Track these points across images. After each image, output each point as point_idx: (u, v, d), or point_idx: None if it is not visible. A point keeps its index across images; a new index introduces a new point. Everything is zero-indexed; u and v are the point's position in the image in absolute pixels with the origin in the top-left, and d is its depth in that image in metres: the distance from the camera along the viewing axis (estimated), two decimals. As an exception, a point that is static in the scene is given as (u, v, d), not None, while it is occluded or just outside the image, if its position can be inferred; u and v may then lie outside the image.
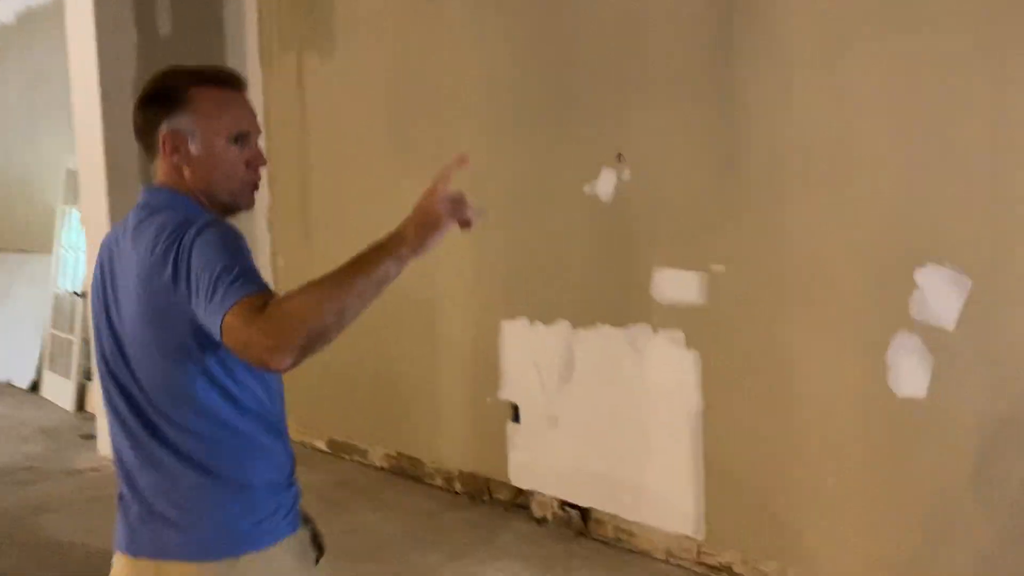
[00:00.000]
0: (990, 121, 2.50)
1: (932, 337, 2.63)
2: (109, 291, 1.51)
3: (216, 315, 1.29)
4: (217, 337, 1.31)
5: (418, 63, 4.05)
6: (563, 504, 3.64)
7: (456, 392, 4.03)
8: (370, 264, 1.31)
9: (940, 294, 2.61)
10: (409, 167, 4.06)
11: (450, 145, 3.89)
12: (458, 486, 4.05)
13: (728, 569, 3.15)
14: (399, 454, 4.32)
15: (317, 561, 1.57)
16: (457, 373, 4.02)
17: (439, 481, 4.13)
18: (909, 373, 2.69)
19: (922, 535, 2.70)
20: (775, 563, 3.03)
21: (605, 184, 3.36)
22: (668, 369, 3.24)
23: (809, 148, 2.85)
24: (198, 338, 1.39)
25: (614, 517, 3.47)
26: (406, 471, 4.26)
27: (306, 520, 1.57)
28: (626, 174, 3.31)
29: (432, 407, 4.13)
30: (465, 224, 1.39)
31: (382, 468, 4.37)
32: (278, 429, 1.54)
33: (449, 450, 4.08)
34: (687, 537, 3.25)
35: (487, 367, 3.86)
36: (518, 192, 3.64)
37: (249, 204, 1.56)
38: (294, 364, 1.26)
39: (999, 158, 2.49)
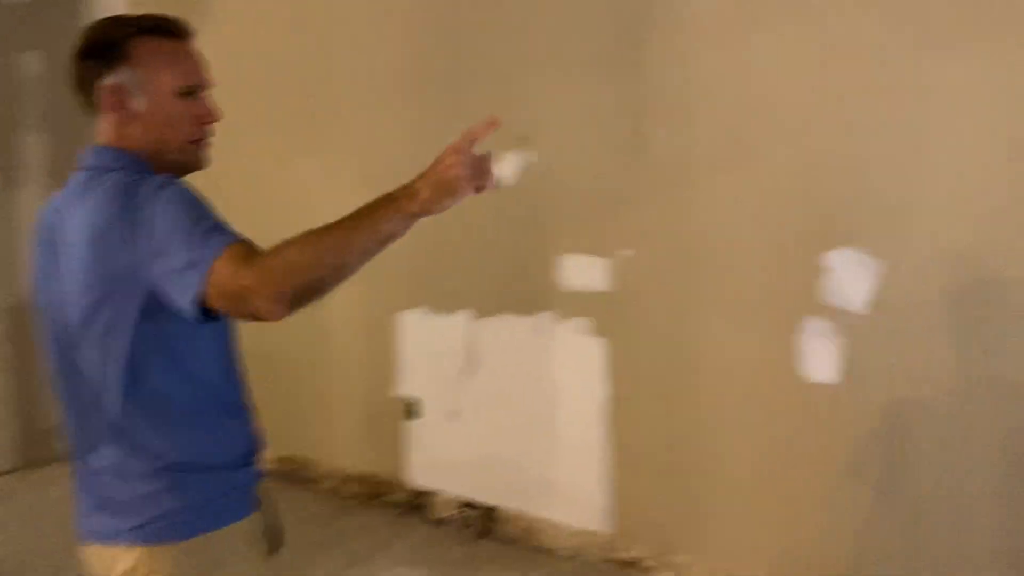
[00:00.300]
0: (898, 102, 2.48)
1: (843, 321, 2.61)
2: (51, 260, 1.42)
3: (197, 267, 1.22)
4: (192, 293, 1.22)
5: (304, 37, 3.79)
6: (466, 503, 3.47)
7: (349, 388, 3.80)
8: (377, 220, 1.25)
9: (851, 277, 2.59)
10: (294, 145, 3.80)
11: (339, 123, 3.66)
12: (352, 488, 3.82)
13: (637, 564, 3.06)
14: (287, 456, 4.05)
15: (271, 553, 1.48)
16: (350, 368, 3.79)
17: (331, 484, 3.89)
18: (820, 358, 2.65)
19: (834, 523, 2.67)
20: (686, 556, 2.95)
21: (508, 167, 3.20)
22: (575, 358, 3.12)
23: (717, 129, 2.78)
24: (149, 305, 1.30)
25: (520, 515, 3.33)
26: (295, 474, 4.00)
27: (262, 507, 1.50)
28: (530, 157, 3.17)
29: (323, 405, 3.89)
30: (481, 189, 1.31)
31: (269, 472, 4.09)
32: (231, 406, 1.47)
33: (342, 450, 3.85)
34: (596, 532, 3.14)
35: (383, 361, 3.65)
36: (408, 172, 3.43)
37: (201, 163, 1.47)
38: (284, 314, 1.21)
39: (908, 138, 2.47)
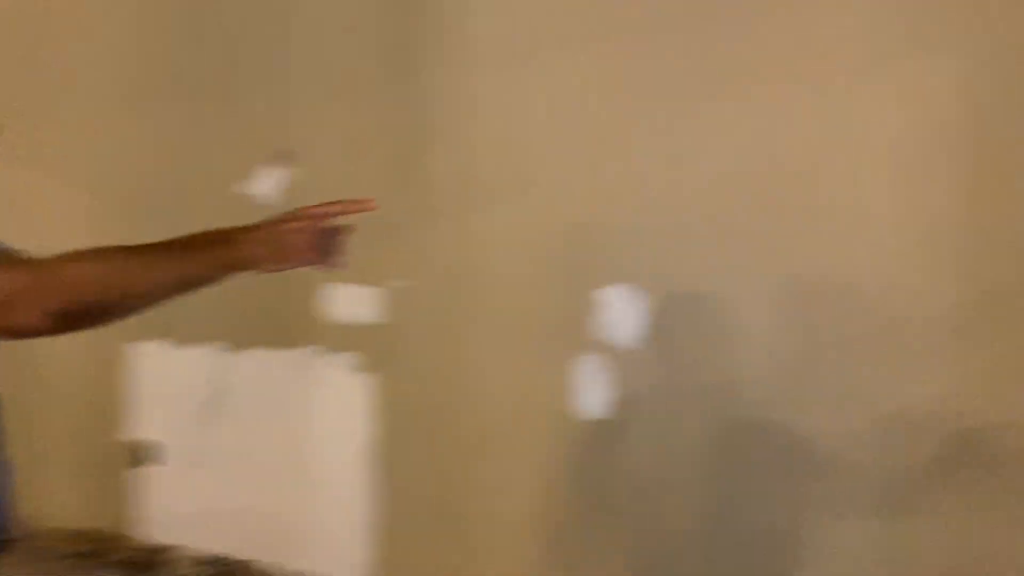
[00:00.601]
0: (670, 141, 2.53)
1: (615, 356, 2.62)
2: None
3: None
4: None
5: (10, 24, 3.23)
6: (211, 559, 3.10)
7: (67, 433, 3.29)
8: (188, 259, 1.11)
9: (622, 312, 2.61)
10: None
11: (56, 128, 3.15)
12: (71, 547, 3.30)
13: (408, 612, 2.89)
14: (-16, 513, 3.43)
15: None
16: (67, 410, 3.28)
17: (45, 542, 3.34)
18: (592, 393, 2.65)
19: (608, 556, 2.67)
20: (458, 600, 2.83)
21: (265, 184, 2.91)
22: (341, 396, 2.89)
23: (498, 158, 2.70)
24: None
25: (275, 569, 3.02)
26: None
27: None
28: (292, 174, 2.89)
29: (34, 453, 3.31)
30: (322, 266, 1.17)
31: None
32: None
33: (60, 505, 3.32)
34: (362, 583, 2.93)
35: (109, 401, 3.18)
36: (146, 186, 3.04)
37: None
38: (49, 332, 1.07)
39: (679, 173, 2.53)
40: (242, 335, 3.00)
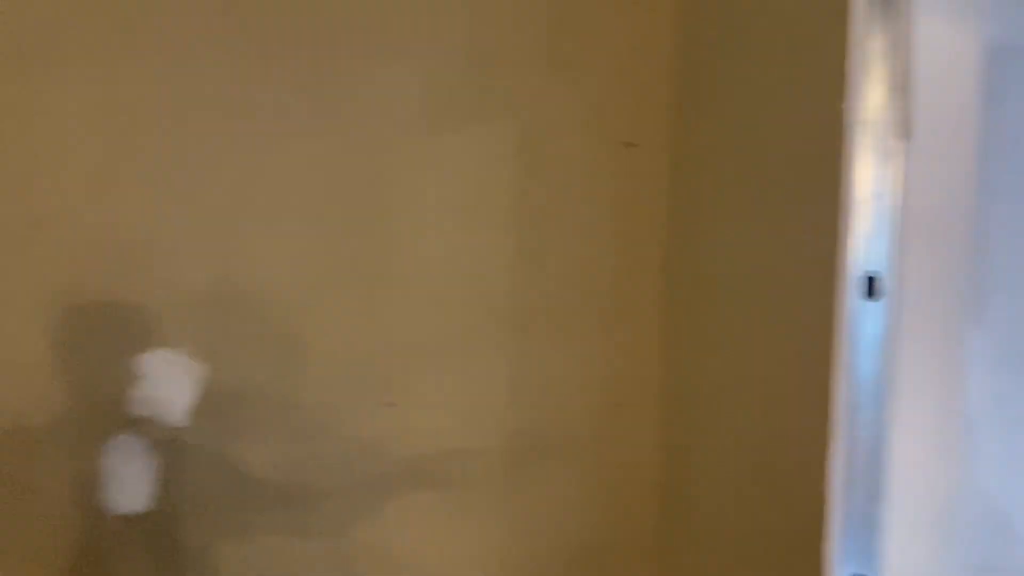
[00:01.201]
0: (214, 181, 2.21)
1: (159, 437, 2.23)
2: None
3: None
4: None
5: None
6: None
7: None
8: None
9: (169, 384, 2.23)
10: None
11: None
12: None
13: None
14: None
15: None
16: None
17: None
18: (131, 484, 2.22)
19: None
20: None
21: None
22: None
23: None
24: None
25: None
26: None
27: None
28: None
29: None
30: None
31: None
32: None
33: None
34: None
35: None
36: None
37: None
38: None
39: (222, 224, 2.22)
40: None
